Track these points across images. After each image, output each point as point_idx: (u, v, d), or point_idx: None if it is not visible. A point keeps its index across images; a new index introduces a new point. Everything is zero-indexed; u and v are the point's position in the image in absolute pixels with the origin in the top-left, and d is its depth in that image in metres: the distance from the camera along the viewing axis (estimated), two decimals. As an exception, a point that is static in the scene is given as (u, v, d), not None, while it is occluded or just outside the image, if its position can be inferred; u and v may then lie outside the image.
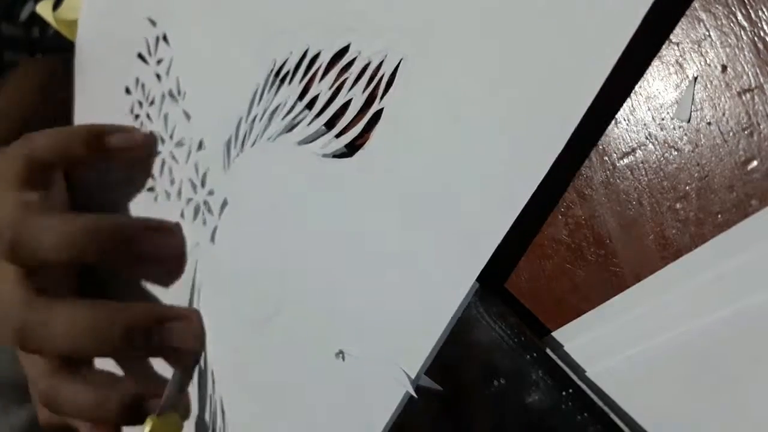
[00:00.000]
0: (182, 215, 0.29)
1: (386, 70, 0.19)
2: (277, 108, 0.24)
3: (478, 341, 0.17)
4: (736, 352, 0.14)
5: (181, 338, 0.27)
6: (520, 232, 0.16)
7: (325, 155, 0.22)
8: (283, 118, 0.23)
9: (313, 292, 0.22)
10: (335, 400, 0.21)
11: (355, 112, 0.20)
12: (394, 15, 0.19)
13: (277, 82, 0.24)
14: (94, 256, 0.27)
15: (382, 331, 0.19)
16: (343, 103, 0.21)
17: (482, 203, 0.17)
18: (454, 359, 0.18)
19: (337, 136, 0.21)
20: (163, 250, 0.29)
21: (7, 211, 0.28)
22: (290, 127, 0.23)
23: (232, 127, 0.26)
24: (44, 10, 0.44)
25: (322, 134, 0.22)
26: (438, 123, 0.18)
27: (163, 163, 0.31)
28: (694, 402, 0.14)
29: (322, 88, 0.22)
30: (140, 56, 0.33)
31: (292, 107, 0.23)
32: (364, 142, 0.20)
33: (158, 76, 0.32)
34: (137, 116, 0.33)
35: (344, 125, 0.21)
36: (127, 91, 0.34)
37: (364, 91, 0.20)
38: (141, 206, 0.32)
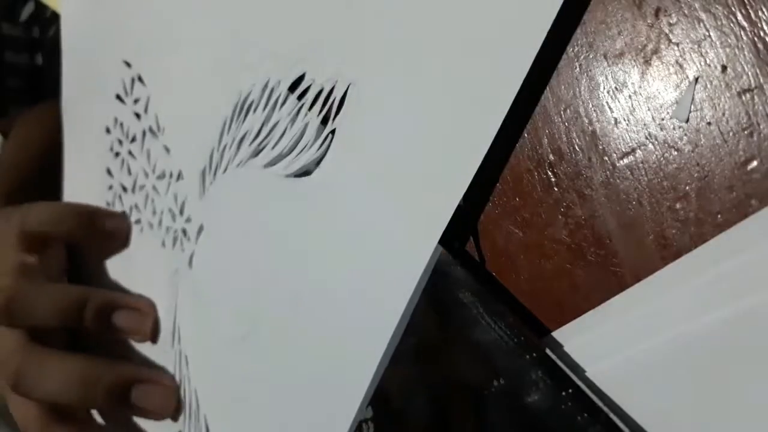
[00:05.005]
0: (163, 244, 0.31)
1: (337, 95, 0.21)
2: (244, 136, 0.25)
3: (478, 341, 0.17)
4: (736, 352, 0.14)
5: (152, 401, 0.29)
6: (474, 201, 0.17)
7: (287, 175, 0.23)
8: (249, 145, 0.25)
9: (285, 306, 0.23)
10: (312, 412, 0.22)
11: (313, 134, 0.22)
12: (340, 44, 0.21)
13: (244, 112, 0.26)
14: (80, 324, 0.30)
15: (353, 340, 0.20)
16: (302, 126, 0.23)
17: (430, 196, 0.18)
18: (453, 359, 0.18)
19: (298, 155, 0.23)
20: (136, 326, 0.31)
21: (3, 272, 0.31)
22: (256, 152, 0.25)
23: (206, 156, 0.27)
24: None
25: (285, 155, 0.23)
26: (382, 138, 0.20)
27: (147, 196, 0.32)
28: (694, 402, 0.14)
29: (282, 115, 0.24)
30: (118, 97, 0.35)
31: (258, 133, 0.25)
32: (321, 159, 0.22)
33: (137, 115, 0.33)
34: (117, 154, 0.35)
35: (303, 146, 0.23)
36: (107, 130, 0.36)
37: (318, 114, 0.22)
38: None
